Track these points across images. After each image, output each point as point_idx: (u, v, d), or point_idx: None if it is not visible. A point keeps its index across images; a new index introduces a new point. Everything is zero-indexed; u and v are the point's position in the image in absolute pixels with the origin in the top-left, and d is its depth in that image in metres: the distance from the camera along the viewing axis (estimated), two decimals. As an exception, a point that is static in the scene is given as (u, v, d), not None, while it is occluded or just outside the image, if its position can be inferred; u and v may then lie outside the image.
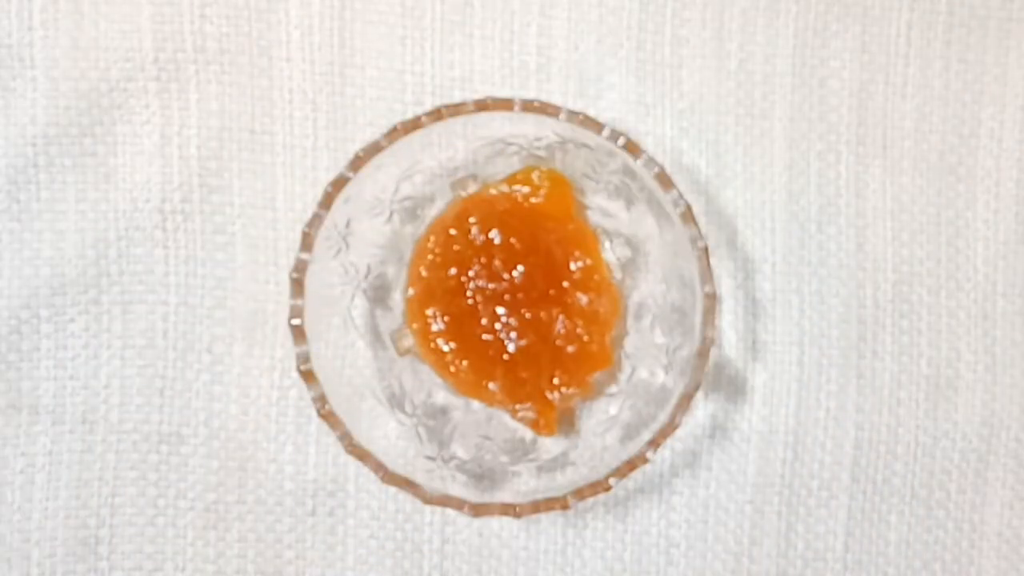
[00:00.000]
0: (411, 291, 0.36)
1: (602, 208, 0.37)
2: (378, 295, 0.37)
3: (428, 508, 0.38)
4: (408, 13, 0.38)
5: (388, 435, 0.36)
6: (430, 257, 0.36)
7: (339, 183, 0.34)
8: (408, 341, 0.36)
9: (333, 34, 0.38)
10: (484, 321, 0.35)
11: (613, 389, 0.37)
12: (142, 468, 0.38)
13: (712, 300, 0.33)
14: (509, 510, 0.33)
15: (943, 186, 0.39)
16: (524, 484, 0.36)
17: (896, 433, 0.38)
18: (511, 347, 0.35)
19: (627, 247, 0.37)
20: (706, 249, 0.34)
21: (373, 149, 0.34)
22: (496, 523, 0.38)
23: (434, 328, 0.35)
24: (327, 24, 0.38)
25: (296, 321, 0.34)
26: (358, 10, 0.38)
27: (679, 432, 0.37)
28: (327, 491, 0.38)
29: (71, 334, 0.38)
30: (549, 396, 0.35)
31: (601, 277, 0.36)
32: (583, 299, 0.35)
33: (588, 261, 0.35)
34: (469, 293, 0.35)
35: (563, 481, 0.35)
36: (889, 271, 0.38)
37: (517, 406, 0.36)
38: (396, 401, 0.36)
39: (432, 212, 0.37)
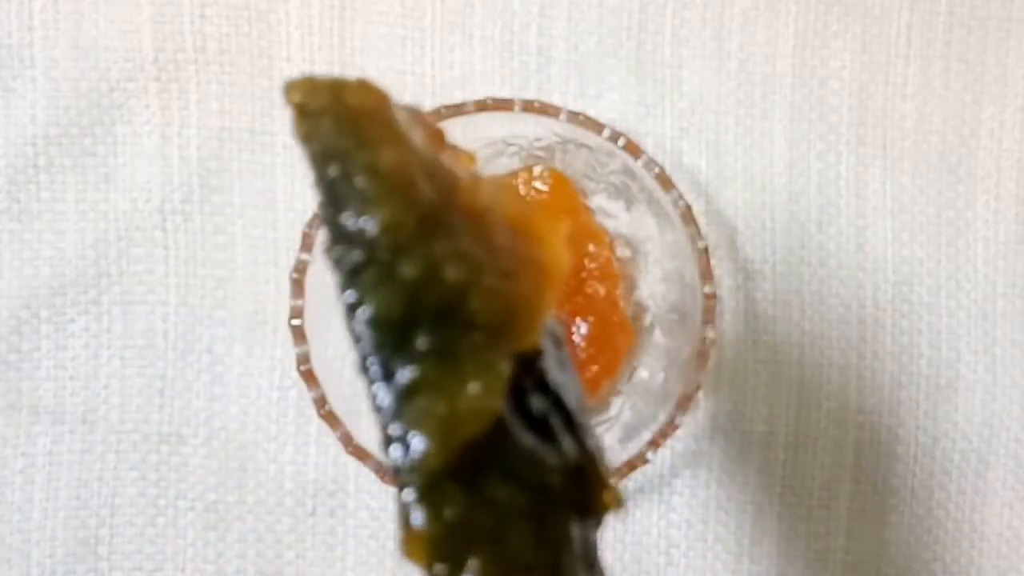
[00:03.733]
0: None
1: (602, 208, 0.37)
2: (378, 295, 0.37)
3: (428, 508, 0.38)
4: (408, 13, 0.38)
5: (388, 435, 0.36)
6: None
7: (339, 183, 0.34)
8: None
9: (333, 34, 0.38)
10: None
11: (613, 389, 0.37)
12: (142, 468, 0.38)
13: (712, 300, 0.33)
14: (509, 510, 0.33)
15: (943, 186, 0.39)
16: (524, 484, 0.36)
17: (896, 433, 0.38)
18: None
19: (627, 247, 0.37)
20: (706, 249, 0.33)
21: (373, 149, 0.33)
22: (496, 523, 0.38)
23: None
24: (327, 24, 0.38)
25: (296, 321, 0.34)
26: (358, 10, 0.38)
27: (679, 432, 0.37)
28: (327, 491, 0.38)
29: (71, 334, 0.38)
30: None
31: (608, 261, 0.36)
32: (600, 290, 0.35)
33: (605, 253, 0.35)
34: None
35: (563, 481, 0.35)
36: (889, 271, 0.38)
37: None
38: (396, 401, 0.36)
39: (432, 212, 0.37)
